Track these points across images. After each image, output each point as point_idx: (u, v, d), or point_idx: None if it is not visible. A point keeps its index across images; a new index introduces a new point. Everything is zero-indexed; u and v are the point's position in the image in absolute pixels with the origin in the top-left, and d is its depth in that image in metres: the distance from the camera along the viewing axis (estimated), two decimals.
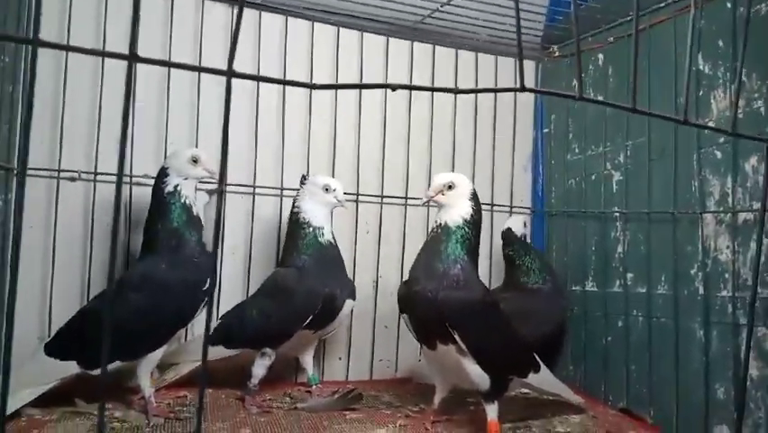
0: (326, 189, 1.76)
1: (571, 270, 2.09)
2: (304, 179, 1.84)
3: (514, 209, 2.29)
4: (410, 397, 1.79)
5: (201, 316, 1.66)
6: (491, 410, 1.46)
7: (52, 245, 1.70)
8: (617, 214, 1.88)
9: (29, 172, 1.67)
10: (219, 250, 1.88)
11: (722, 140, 1.53)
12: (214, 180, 1.69)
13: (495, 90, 0.72)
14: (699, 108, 1.59)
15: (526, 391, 1.70)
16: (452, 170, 2.16)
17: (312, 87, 0.66)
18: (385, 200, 2.10)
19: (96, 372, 1.44)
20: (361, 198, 2.07)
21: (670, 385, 1.62)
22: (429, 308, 1.43)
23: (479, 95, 2.23)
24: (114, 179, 1.74)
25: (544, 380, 1.60)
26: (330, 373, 2.02)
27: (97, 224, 1.76)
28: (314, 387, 1.80)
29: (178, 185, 1.58)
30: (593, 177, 2.01)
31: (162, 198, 1.58)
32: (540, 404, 1.72)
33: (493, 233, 2.23)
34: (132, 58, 0.56)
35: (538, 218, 2.31)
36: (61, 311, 1.65)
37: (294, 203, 1.82)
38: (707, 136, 1.57)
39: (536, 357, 1.59)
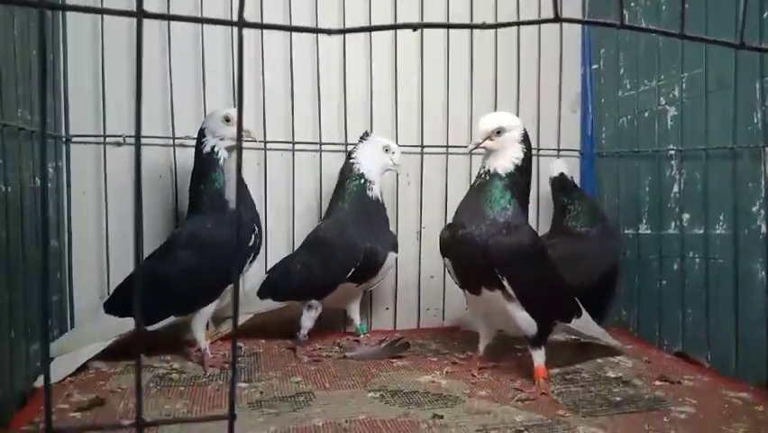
0: (386, 150, 1.79)
1: (623, 213, 2.01)
2: (366, 135, 1.86)
3: (561, 152, 2.20)
4: (457, 345, 1.80)
5: (251, 270, 1.72)
6: (538, 356, 1.45)
7: (105, 208, 1.77)
8: (672, 152, 1.77)
9: (76, 139, 1.73)
10: (261, 207, 1.90)
11: None
12: (250, 139, 1.70)
13: (525, 23, 0.66)
14: (763, 31, 1.44)
15: (567, 335, 1.69)
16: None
17: (322, 31, 0.63)
18: (425, 150, 2.06)
19: (153, 327, 1.51)
20: (402, 149, 2.03)
21: (728, 329, 1.55)
22: (477, 253, 1.39)
23: (522, 33, 2.12)
24: (158, 141, 1.79)
25: (585, 324, 1.58)
26: (378, 322, 2.05)
27: (145, 185, 1.81)
28: (362, 336, 1.84)
29: (215, 146, 1.60)
30: (646, 114, 1.89)
31: (202, 159, 1.60)
32: (586, 349, 1.69)
33: (540, 177, 2.16)
34: (139, 14, 0.56)
35: (588, 161, 2.21)
36: (119, 271, 1.73)
37: (350, 154, 1.83)
38: None
39: (578, 302, 1.55)
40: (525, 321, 1.42)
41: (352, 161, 1.80)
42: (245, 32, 1.91)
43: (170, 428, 1.14)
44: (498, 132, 1.43)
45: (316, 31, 0.58)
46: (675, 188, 1.76)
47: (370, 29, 0.61)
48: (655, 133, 1.84)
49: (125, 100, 1.78)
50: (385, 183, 1.99)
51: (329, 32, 0.62)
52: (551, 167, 2.01)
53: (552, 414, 1.26)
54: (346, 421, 1.20)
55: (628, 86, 1.98)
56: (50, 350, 1.48)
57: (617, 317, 2.03)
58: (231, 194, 1.61)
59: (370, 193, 1.77)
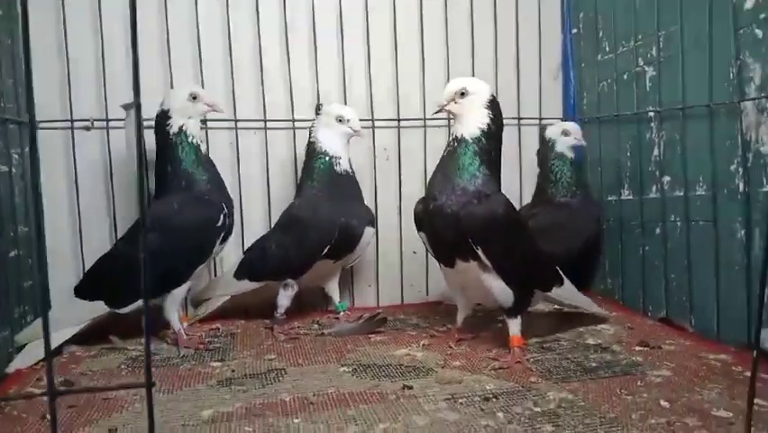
0: (340, 120, 1.72)
1: (605, 179, 1.97)
2: (318, 108, 1.79)
3: (543, 120, 2.16)
4: (439, 319, 1.78)
5: (226, 249, 1.70)
6: (514, 325, 1.43)
7: (76, 193, 1.76)
8: (652, 113, 1.73)
9: (43, 125, 1.71)
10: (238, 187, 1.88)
11: (764, 15, 1.34)
12: (218, 111, 1.67)
13: None
14: None
15: (550, 305, 1.66)
16: None
17: None
18: (402, 123, 2.02)
19: (124, 310, 1.50)
20: (376, 123, 2.00)
21: (710, 292, 1.52)
22: (450, 224, 1.36)
23: (498, 5, 2.07)
24: (120, 124, 1.77)
25: (566, 293, 1.55)
26: (361, 300, 2.04)
27: (115, 169, 1.79)
28: (341, 314, 1.82)
29: (183, 125, 1.58)
30: (625, 76, 1.84)
31: (168, 140, 1.58)
32: (569, 318, 1.67)
33: (521, 147, 2.13)
34: None
35: None
36: (93, 255, 1.71)
37: (310, 133, 1.78)
38: (746, 13, 1.38)
39: (559, 271, 1.53)
40: (501, 291, 1.40)
41: (312, 139, 1.76)
42: (215, 4, 1.86)
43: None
44: (462, 94, 1.40)
45: None
46: (655, 151, 1.72)
47: None
48: (635, 96, 1.79)
49: (92, 82, 1.76)
50: (362, 158, 1.97)
51: None
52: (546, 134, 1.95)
53: (524, 381, 1.24)
54: (314, 395, 1.19)
55: (607, 48, 1.93)
56: (23, 335, 1.48)
57: (603, 285, 2.01)
58: (205, 173, 1.59)
59: (338, 168, 1.74)
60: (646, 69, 1.74)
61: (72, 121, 1.76)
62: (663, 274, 1.69)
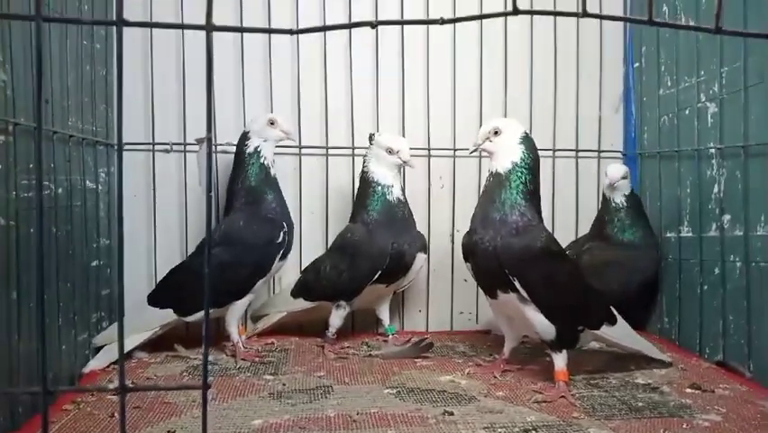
0: (389, 152, 1.78)
1: (665, 215, 1.93)
2: (371, 138, 1.87)
3: (602, 153, 2.15)
4: (486, 348, 1.80)
5: (285, 267, 1.80)
6: (559, 359, 1.43)
7: (153, 211, 1.91)
8: (713, 150, 1.69)
9: (128, 147, 1.88)
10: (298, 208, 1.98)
11: None
12: (291, 140, 1.80)
13: (486, 16, 0.67)
14: None
15: (603, 345, 1.63)
16: (531, 114, 2.08)
17: (291, 32, 0.68)
18: (458, 152, 2.07)
19: (190, 318, 1.62)
20: (432, 152, 2.06)
21: None
22: (488, 256, 1.42)
23: (559, 32, 2.09)
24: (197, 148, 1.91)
25: (620, 333, 1.52)
26: (411, 324, 2.08)
27: (190, 189, 1.94)
28: (390, 336, 1.87)
29: (258, 146, 1.71)
30: (687, 111, 1.82)
31: (243, 159, 1.72)
32: (624, 358, 1.63)
33: (578, 179, 2.13)
34: (119, 23, 0.63)
35: (631, 162, 2.14)
36: (166, 267, 1.85)
37: (363, 162, 1.86)
38: None
39: (612, 309, 1.51)
40: (541, 324, 1.41)
41: (365, 168, 1.82)
42: (284, 38, 2.01)
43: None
44: (496, 132, 1.47)
45: (272, 31, 0.63)
46: (716, 189, 1.68)
47: (324, 29, 0.65)
48: (696, 132, 1.76)
49: (174, 109, 1.92)
50: (418, 185, 2.03)
51: (290, 32, 0.67)
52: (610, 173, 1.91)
53: (566, 416, 1.25)
54: (357, 414, 1.24)
55: (669, 83, 1.91)
56: (100, 338, 1.62)
57: (659, 324, 1.95)
58: (271, 192, 1.70)
59: (390, 197, 1.79)
60: (708, 105, 1.72)
61: (153, 144, 1.92)
62: (721, 316, 1.64)
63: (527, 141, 1.46)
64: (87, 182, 1.61)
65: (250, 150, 1.71)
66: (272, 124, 1.72)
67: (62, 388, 1.32)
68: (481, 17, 0.69)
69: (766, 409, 1.29)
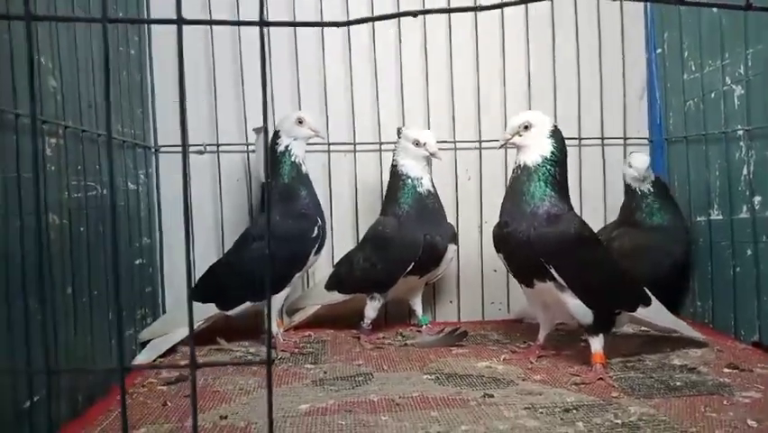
0: (416, 144, 1.81)
1: (694, 199, 1.94)
2: (399, 131, 1.90)
3: (628, 140, 2.16)
4: (519, 336, 1.82)
5: (318, 262, 1.85)
6: (596, 342, 1.45)
7: (190, 210, 1.97)
8: (741, 132, 1.70)
9: (164, 149, 1.94)
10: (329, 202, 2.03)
11: None
12: (320, 138, 1.84)
13: (522, 1, 0.70)
14: None
15: (638, 327, 1.64)
16: (555, 103, 2.10)
17: (345, 24, 0.72)
18: (484, 144, 2.09)
19: (232, 312, 1.67)
20: (458, 144, 2.09)
21: None
22: (523, 248, 1.44)
23: (580, 20, 2.11)
24: (233, 148, 1.97)
25: (656, 314, 1.54)
26: (442, 315, 2.11)
27: (224, 188, 1.99)
28: (423, 327, 1.90)
29: (288, 145, 1.75)
30: (712, 95, 1.82)
31: (275, 157, 1.76)
32: (658, 340, 1.65)
33: (606, 167, 2.14)
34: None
35: (657, 148, 2.15)
36: (205, 264, 1.90)
37: (393, 156, 1.90)
38: None
39: (646, 291, 1.53)
40: (579, 310, 1.43)
41: (394, 163, 1.86)
42: (309, 36, 2.06)
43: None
44: (527, 127, 1.48)
45: (316, 24, 0.67)
46: (745, 171, 1.69)
47: (372, 19, 0.68)
48: (722, 115, 1.77)
49: (205, 112, 1.97)
50: (445, 178, 2.06)
51: (335, 24, 0.71)
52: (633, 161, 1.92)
53: (605, 396, 1.27)
54: (399, 397, 1.28)
55: (693, 68, 1.92)
56: (144, 334, 1.68)
57: (692, 308, 1.96)
58: (304, 189, 1.75)
59: (420, 189, 1.82)
60: (734, 87, 1.72)
61: (187, 146, 1.97)
62: (756, 297, 1.64)
63: (556, 134, 1.49)
64: (129, 183, 1.67)
65: (281, 148, 1.76)
66: (300, 122, 1.76)
67: (136, 365, 1.37)
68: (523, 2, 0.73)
69: None
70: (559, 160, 1.47)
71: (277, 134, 1.77)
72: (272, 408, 0.75)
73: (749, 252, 1.68)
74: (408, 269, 1.79)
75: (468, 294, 2.10)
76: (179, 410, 1.24)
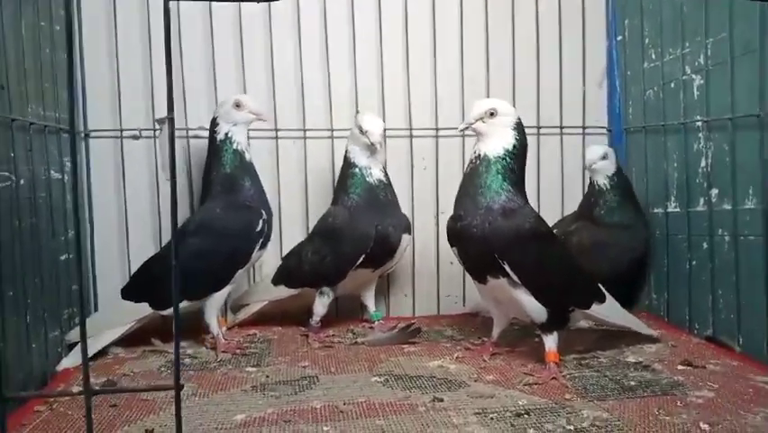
0: (361, 131, 1.71)
1: (651, 191, 1.91)
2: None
3: (587, 129, 2.11)
4: (474, 331, 1.77)
5: (265, 256, 1.74)
6: (550, 340, 1.40)
7: (124, 200, 1.83)
8: (699, 123, 1.66)
9: (94, 134, 1.80)
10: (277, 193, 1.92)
11: None
12: (263, 120, 1.72)
13: None
14: None
15: (592, 323, 1.61)
16: (513, 91, 2.03)
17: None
18: (440, 132, 2.01)
19: (167, 312, 1.55)
20: (414, 132, 2.00)
21: (760, 309, 1.44)
22: (477, 242, 1.38)
23: (541, 6, 2.04)
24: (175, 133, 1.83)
25: (609, 311, 1.50)
26: (397, 309, 2.04)
27: (163, 177, 1.85)
28: (376, 323, 1.83)
29: (228, 132, 1.63)
30: (672, 84, 1.78)
31: (215, 146, 1.64)
32: (613, 336, 1.61)
33: (563, 156, 2.09)
34: None
35: (616, 137, 2.11)
36: (139, 259, 1.77)
37: (346, 143, 1.81)
38: None
39: (601, 288, 1.49)
40: (533, 307, 1.38)
41: (346, 150, 1.77)
42: (256, 14, 1.91)
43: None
44: (492, 114, 1.41)
45: None
46: (703, 162, 1.66)
47: None
48: (682, 105, 1.73)
49: (141, 94, 1.83)
50: (400, 167, 1.97)
51: None
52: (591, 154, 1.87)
53: (558, 398, 1.21)
54: (344, 404, 1.20)
55: (653, 56, 1.88)
56: (71, 336, 1.55)
57: (648, 301, 1.94)
58: (248, 179, 1.63)
59: (370, 179, 1.74)
60: (694, 77, 1.68)
61: (122, 130, 1.83)
62: (711, 291, 1.62)
63: (520, 128, 1.42)
64: (53, 172, 1.52)
65: (221, 136, 1.64)
66: (239, 106, 1.64)
67: (21, 394, 1.23)
68: None
69: (757, 383, 1.28)
70: (519, 153, 1.41)
71: (215, 122, 1.65)
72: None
73: (705, 245, 1.65)
74: (359, 261, 1.70)
75: (423, 287, 2.03)
76: (104, 422, 1.14)
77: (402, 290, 2.04)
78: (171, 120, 0.60)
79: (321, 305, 1.73)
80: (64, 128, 1.60)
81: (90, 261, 1.80)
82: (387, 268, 1.85)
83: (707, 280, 1.64)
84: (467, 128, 1.44)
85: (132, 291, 1.57)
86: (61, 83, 1.61)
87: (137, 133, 1.84)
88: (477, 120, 1.42)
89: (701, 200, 1.67)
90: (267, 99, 1.90)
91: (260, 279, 1.92)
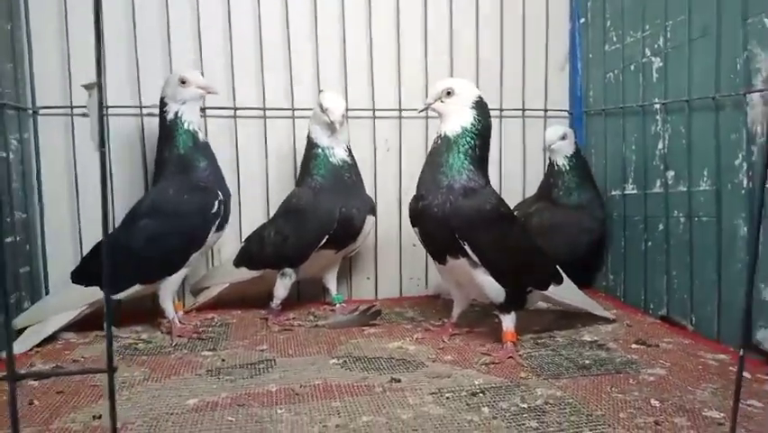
0: (321, 108, 1.67)
1: (610, 173, 1.93)
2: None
3: (549, 113, 2.12)
4: (435, 313, 1.77)
5: (224, 239, 1.70)
6: (507, 320, 1.41)
7: (75, 180, 1.76)
8: (657, 105, 1.68)
9: (43, 111, 1.72)
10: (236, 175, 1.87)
11: None
12: (213, 93, 1.65)
13: None
14: None
15: (549, 304, 1.62)
16: (477, 74, 2.02)
17: None
18: (403, 113, 1.99)
19: (119, 295, 1.50)
20: (377, 113, 1.98)
21: (711, 289, 1.48)
22: (437, 222, 1.37)
23: None
24: (127, 111, 1.77)
25: (567, 292, 1.52)
26: (359, 292, 2.02)
27: (114, 156, 1.79)
28: (337, 306, 1.81)
29: (177, 111, 1.57)
30: (632, 67, 1.80)
31: (165, 127, 1.58)
32: (570, 316, 1.63)
33: (525, 139, 2.10)
34: None
35: (577, 120, 2.12)
36: (92, 241, 1.72)
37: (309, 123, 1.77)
38: (755, 2, 1.33)
39: (558, 269, 1.50)
40: (491, 287, 1.38)
41: (309, 130, 1.74)
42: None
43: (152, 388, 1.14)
44: (449, 93, 1.40)
45: None
46: (660, 145, 1.68)
47: None
48: (641, 87, 1.74)
49: (92, 69, 1.75)
50: (363, 149, 1.95)
51: None
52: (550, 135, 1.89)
53: (513, 377, 1.22)
54: (300, 387, 1.18)
55: (615, 39, 1.89)
56: (19, 321, 1.49)
57: (605, 282, 1.97)
58: (203, 160, 1.58)
59: (333, 160, 1.71)
60: (653, 59, 1.70)
61: (72, 108, 1.76)
62: (665, 271, 1.65)
63: (480, 106, 1.40)
64: None
65: (170, 117, 1.57)
66: (184, 82, 1.57)
67: None
68: None
69: (708, 360, 1.31)
70: (480, 132, 1.39)
71: (163, 101, 1.59)
72: (116, 419, 0.64)
73: (661, 226, 1.68)
74: (322, 242, 1.68)
75: (385, 270, 2.02)
76: (49, 409, 1.10)
77: (365, 273, 2.03)
78: (99, 86, 0.57)
79: (282, 287, 1.70)
80: (9, 103, 1.52)
81: (41, 243, 1.73)
82: (350, 249, 1.83)
83: (662, 260, 1.67)
84: (426, 108, 1.43)
85: (82, 275, 1.52)
86: (5, 56, 1.53)
87: (87, 110, 1.76)
88: (435, 100, 1.41)
89: (658, 182, 1.69)
90: (225, 76, 1.85)
91: (221, 262, 1.87)
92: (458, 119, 1.39)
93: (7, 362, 0.61)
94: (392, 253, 2.02)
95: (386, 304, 1.85)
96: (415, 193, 1.47)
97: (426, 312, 1.78)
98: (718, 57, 1.44)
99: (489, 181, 1.43)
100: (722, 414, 1.02)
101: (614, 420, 1.01)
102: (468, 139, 1.38)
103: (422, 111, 1.46)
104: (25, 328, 1.47)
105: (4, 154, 1.51)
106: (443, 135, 1.40)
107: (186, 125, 1.57)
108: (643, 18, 1.72)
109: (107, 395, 0.63)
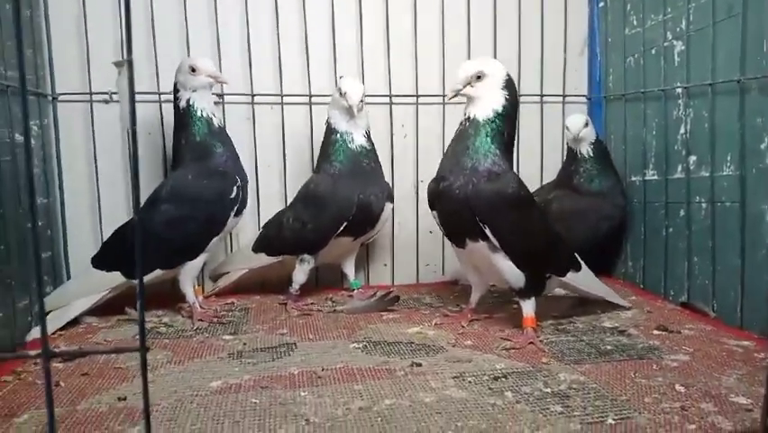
0: (341, 94, 1.66)
1: (630, 159, 1.91)
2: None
3: (567, 98, 2.10)
4: (453, 299, 1.77)
5: (242, 225, 1.71)
6: (527, 306, 1.40)
7: (95, 165, 1.77)
8: (680, 90, 1.66)
9: (63, 97, 1.73)
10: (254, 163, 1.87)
11: None
12: (223, 82, 1.66)
13: None
14: None
15: (567, 291, 1.61)
16: (495, 59, 1.99)
17: None
18: (421, 99, 1.98)
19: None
20: (394, 99, 1.97)
21: (734, 275, 1.46)
22: (458, 204, 1.35)
23: None
24: (145, 97, 1.77)
25: (585, 280, 1.51)
26: (376, 278, 2.02)
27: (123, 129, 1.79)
28: (355, 291, 1.81)
29: (189, 99, 1.58)
30: (653, 51, 1.77)
31: (180, 114, 1.59)
32: (589, 302, 1.62)
33: (543, 125, 2.08)
34: None
35: (595, 106, 2.10)
36: (112, 226, 1.72)
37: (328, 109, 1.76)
38: None
39: (576, 256, 1.49)
40: (511, 272, 1.37)
41: (328, 116, 1.73)
42: None
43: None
44: (479, 77, 1.37)
45: None
46: (682, 129, 1.65)
47: None
48: (662, 72, 1.72)
49: (111, 56, 1.76)
50: (380, 135, 1.94)
51: None
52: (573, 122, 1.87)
53: (535, 362, 1.22)
54: (322, 370, 1.19)
55: (635, 22, 1.86)
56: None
57: (624, 268, 1.96)
58: (219, 145, 1.58)
59: (352, 146, 1.70)
60: (675, 43, 1.67)
61: (91, 94, 1.76)
62: (686, 258, 1.64)
63: (510, 86, 1.37)
64: (17, 136, 1.46)
65: (183, 104, 1.58)
66: (194, 70, 1.56)
67: None
68: None
69: (731, 346, 1.30)
70: (510, 114, 1.37)
71: (175, 87, 1.59)
72: (148, 397, 0.64)
73: (682, 212, 1.66)
74: (340, 229, 1.68)
75: (402, 256, 2.02)
76: (74, 391, 1.11)
77: (382, 259, 2.03)
78: (130, 63, 0.56)
79: (301, 273, 1.71)
80: (30, 89, 1.53)
81: (62, 228, 1.74)
82: (368, 236, 1.83)
83: (683, 246, 1.65)
84: (455, 95, 1.40)
85: (103, 260, 1.53)
86: (26, 42, 1.53)
87: (108, 96, 1.77)
88: (465, 85, 1.38)
89: (679, 167, 1.67)
90: (242, 63, 1.85)
91: (239, 248, 1.88)
92: (489, 102, 1.36)
93: (42, 340, 0.61)
94: (409, 239, 2.01)
95: (403, 290, 1.85)
96: (434, 176, 1.46)
97: (444, 298, 1.78)
98: (744, 39, 1.41)
99: (512, 166, 1.42)
100: (749, 400, 1.01)
101: (639, 405, 1.00)
102: (498, 123, 1.36)
103: (452, 98, 1.41)
104: (47, 313, 1.49)
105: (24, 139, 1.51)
106: (471, 118, 1.37)
107: (199, 113, 1.57)
108: (664, 1, 1.69)
109: (141, 373, 0.63)
